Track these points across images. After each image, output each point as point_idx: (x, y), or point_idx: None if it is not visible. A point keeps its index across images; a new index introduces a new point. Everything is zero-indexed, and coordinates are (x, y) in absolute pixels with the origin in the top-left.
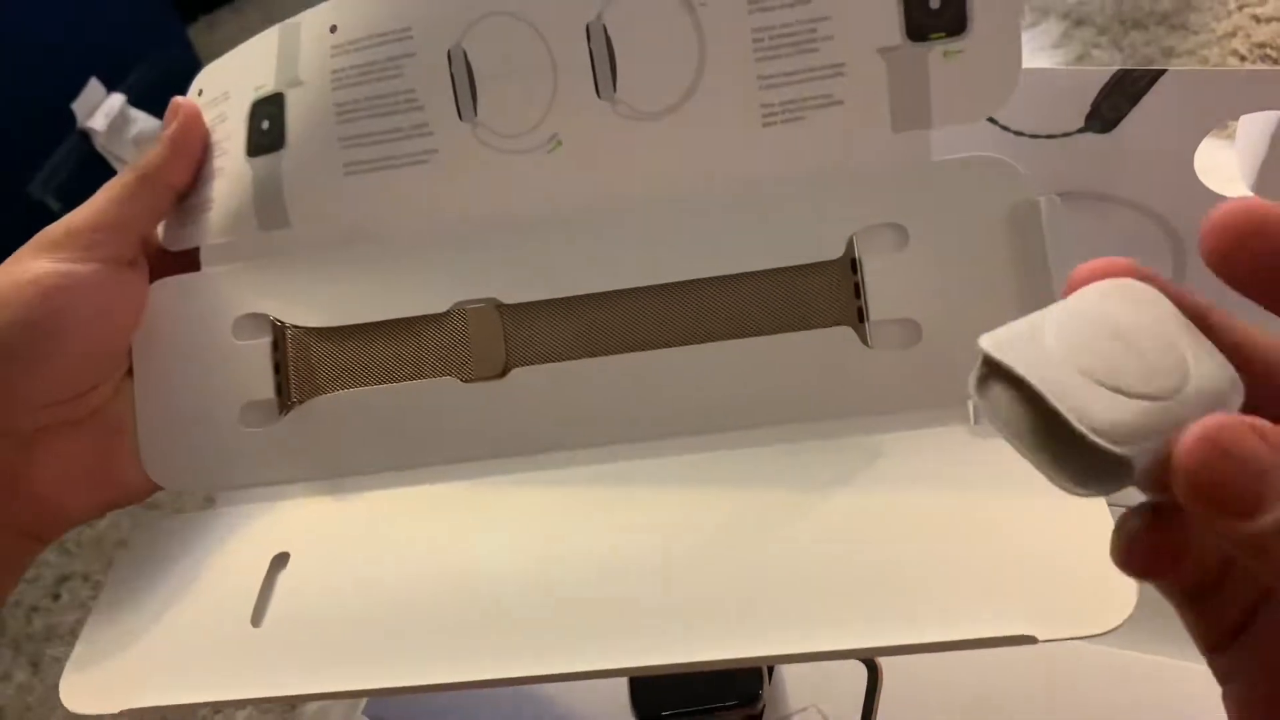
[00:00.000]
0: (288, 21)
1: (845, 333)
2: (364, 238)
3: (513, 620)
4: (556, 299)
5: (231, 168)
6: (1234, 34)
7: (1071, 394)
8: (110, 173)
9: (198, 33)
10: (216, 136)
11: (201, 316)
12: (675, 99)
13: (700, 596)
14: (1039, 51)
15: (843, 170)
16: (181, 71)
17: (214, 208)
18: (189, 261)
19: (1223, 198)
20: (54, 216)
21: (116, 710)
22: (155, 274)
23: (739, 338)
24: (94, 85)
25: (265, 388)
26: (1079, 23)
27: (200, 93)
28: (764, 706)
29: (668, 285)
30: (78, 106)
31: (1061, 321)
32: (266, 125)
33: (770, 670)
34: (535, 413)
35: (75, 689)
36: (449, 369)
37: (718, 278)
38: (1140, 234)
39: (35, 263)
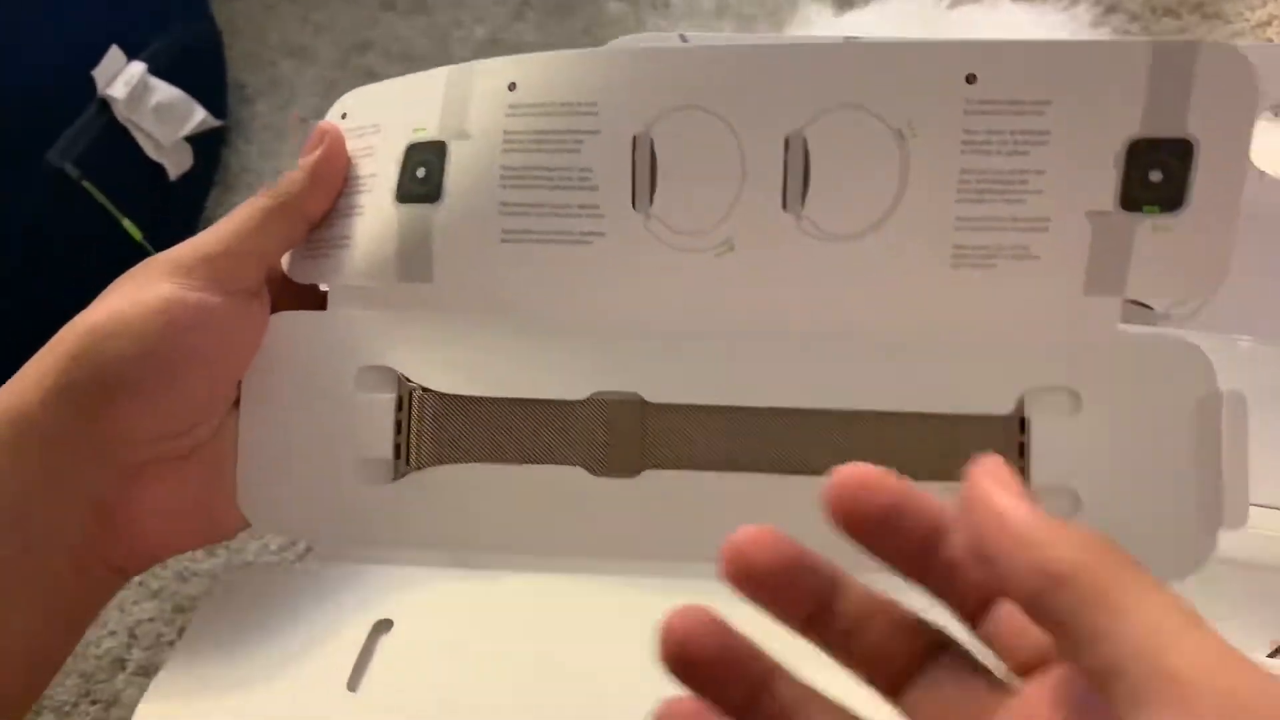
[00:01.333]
0: (460, 65)
1: None
2: (509, 308)
3: None
4: (702, 405)
5: (376, 208)
6: (1269, 23)
7: None
8: (129, 142)
9: (219, 3)
10: (361, 171)
11: (324, 358)
12: (865, 226)
13: None
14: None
15: (1026, 326)
16: (202, 42)
17: (352, 247)
18: (310, 293)
19: (1275, 180)
20: (72, 184)
21: None
22: (275, 303)
23: None
24: (114, 53)
25: (384, 446)
26: (1111, 9)
27: (344, 115)
28: None
29: (820, 411)
30: (98, 74)
31: None
32: (423, 173)
33: None
34: (664, 519)
35: None
36: (580, 459)
37: (875, 413)
38: None
39: (162, 286)
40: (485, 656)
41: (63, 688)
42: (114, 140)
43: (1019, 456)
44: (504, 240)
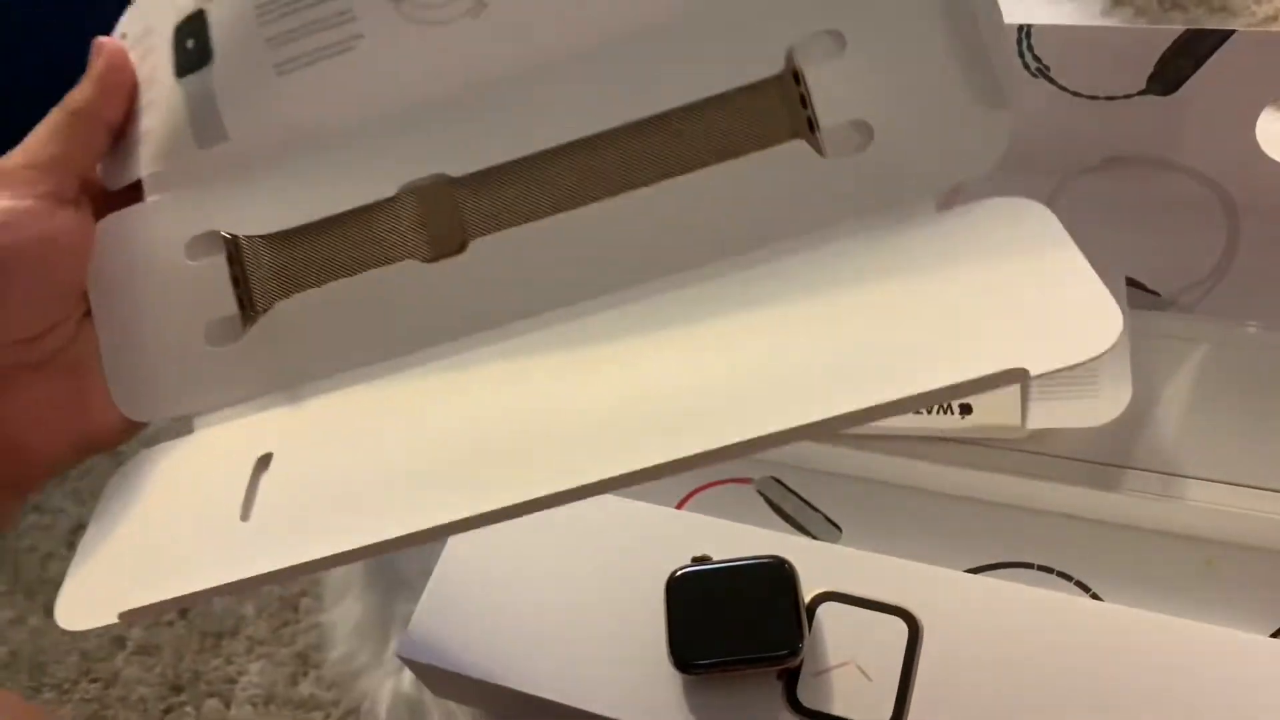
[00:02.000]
0: None
1: (799, 146)
2: (304, 137)
3: (509, 452)
4: (503, 164)
5: (163, 95)
6: (1276, 18)
7: None
8: None
9: None
10: (144, 73)
11: (152, 245)
12: None
13: (697, 391)
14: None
15: None
16: None
17: (151, 137)
18: (135, 199)
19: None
20: None
21: (112, 618)
22: (102, 216)
23: (694, 170)
24: None
25: (227, 303)
26: (1118, 1)
27: (124, 36)
28: (802, 660)
29: (613, 132)
30: None
31: None
32: (191, 44)
33: (810, 621)
34: (501, 282)
35: (70, 609)
36: (409, 252)
37: (663, 114)
38: (1194, 200)
39: None
40: (359, 461)
41: (63, 665)
42: None
43: (803, 107)
44: (279, 73)
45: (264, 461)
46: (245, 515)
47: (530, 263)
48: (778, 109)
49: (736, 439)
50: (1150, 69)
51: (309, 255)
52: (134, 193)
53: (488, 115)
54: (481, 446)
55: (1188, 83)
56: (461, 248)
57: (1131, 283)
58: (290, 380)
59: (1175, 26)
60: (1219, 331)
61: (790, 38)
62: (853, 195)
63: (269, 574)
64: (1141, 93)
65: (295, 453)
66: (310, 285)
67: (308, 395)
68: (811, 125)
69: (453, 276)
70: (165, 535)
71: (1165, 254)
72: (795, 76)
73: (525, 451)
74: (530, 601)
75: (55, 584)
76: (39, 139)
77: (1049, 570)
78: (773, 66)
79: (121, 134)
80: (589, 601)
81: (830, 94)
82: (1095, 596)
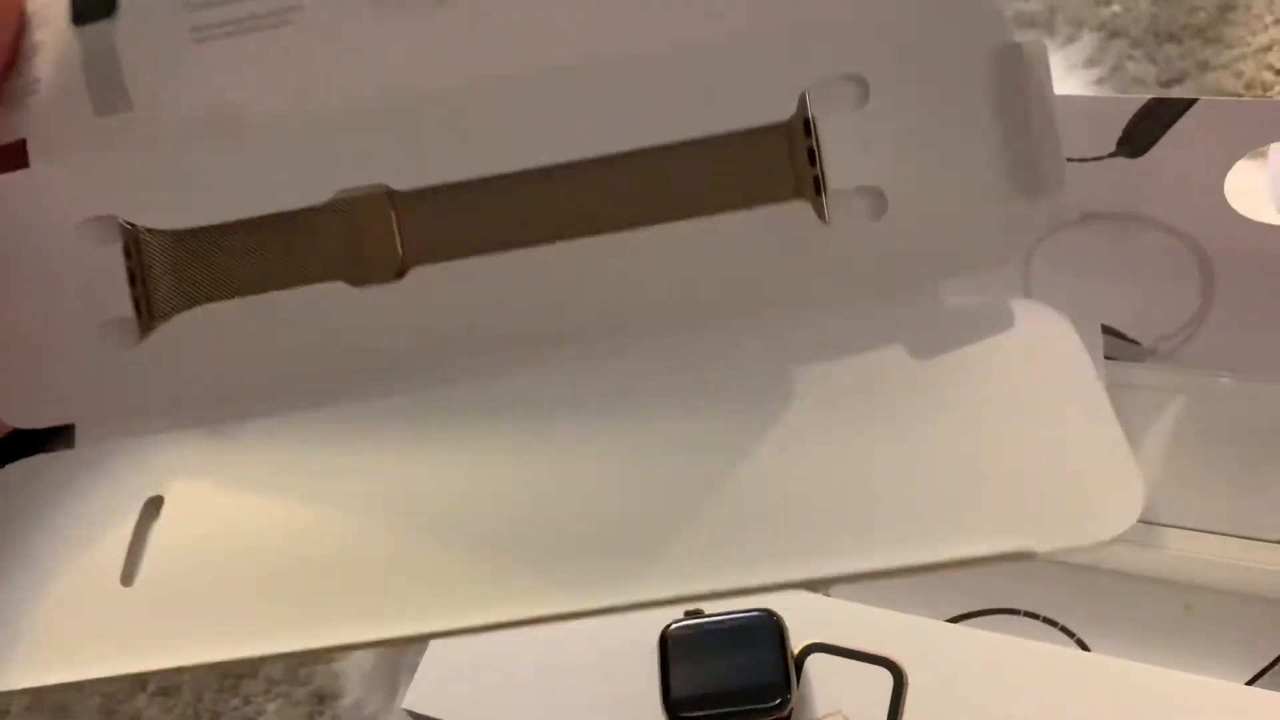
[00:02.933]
0: None
1: (798, 207)
2: (223, 119)
3: (434, 565)
4: (458, 183)
5: (55, 39)
6: (1270, 48)
7: None
8: None
9: None
10: (35, 3)
11: (36, 222)
12: None
13: (657, 524)
14: (1072, 70)
15: (794, 16)
16: None
17: (40, 89)
18: (17, 156)
19: (1253, 222)
20: None
21: None
22: None
23: (675, 220)
24: None
25: (121, 303)
26: (1114, 35)
27: None
28: (791, 710)
29: (589, 162)
30: None
31: None
32: None
33: (799, 672)
34: (441, 320)
35: None
36: (336, 272)
37: (647, 150)
38: (1169, 256)
39: None
40: (263, 527)
41: (84, 708)
42: None
43: (810, 164)
44: (197, 40)
45: (153, 505)
46: (128, 580)
47: (476, 303)
48: (782, 162)
49: (662, 595)
50: (1119, 133)
51: (219, 261)
52: (19, 151)
53: (445, 124)
54: (410, 551)
55: (1157, 145)
56: (400, 274)
57: (1109, 330)
58: (187, 404)
59: (1140, 96)
60: (1196, 382)
61: (807, 79)
62: (851, 273)
63: (141, 673)
64: (1112, 155)
65: (188, 503)
66: (219, 297)
67: (206, 426)
68: (818, 185)
69: (387, 306)
70: (31, 591)
71: (1142, 305)
72: (806, 125)
73: (427, 564)
74: (530, 656)
75: None
76: None
77: (1035, 616)
78: (782, 111)
79: (3, 76)
80: (587, 656)
81: (844, 151)
82: (1081, 642)
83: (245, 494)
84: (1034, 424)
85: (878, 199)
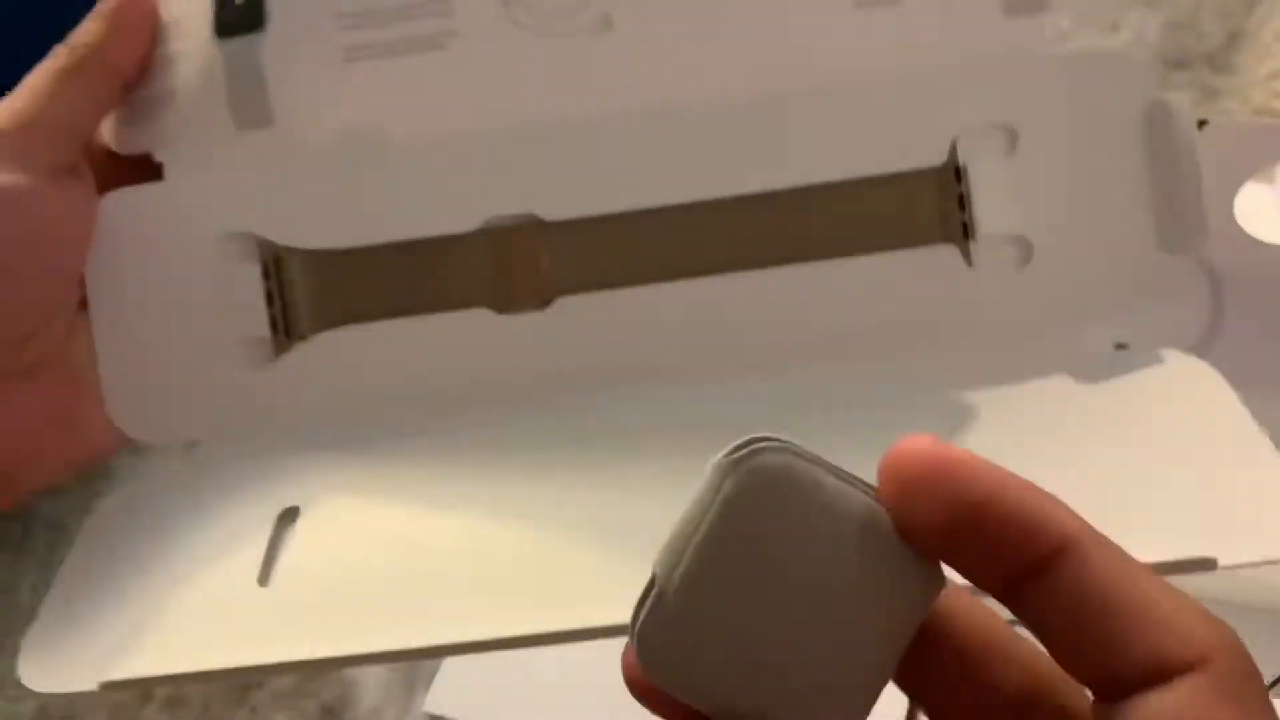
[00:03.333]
0: None
1: (946, 251)
2: (368, 142)
3: (567, 568)
4: (607, 215)
5: (196, 51)
6: (1277, 75)
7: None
8: None
9: None
10: (173, 13)
11: (171, 235)
12: None
13: None
14: None
15: (944, 61)
16: None
17: (176, 101)
18: (145, 166)
19: (1262, 243)
20: None
21: (93, 685)
22: (104, 184)
23: (821, 259)
24: None
25: (258, 323)
26: None
27: None
28: None
29: (739, 199)
30: None
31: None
32: None
33: None
34: (585, 349)
35: (38, 666)
36: (480, 299)
37: (797, 189)
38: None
39: None
40: (401, 534)
41: (92, 718)
42: None
43: (960, 210)
44: (347, 60)
45: (289, 515)
46: (264, 580)
47: (621, 334)
48: (932, 206)
49: None
50: None
51: (362, 283)
52: (146, 161)
53: (597, 156)
54: (542, 560)
55: None
56: (545, 304)
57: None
58: (323, 423)
59: None
60: None
61: (958, 126)
62: (994, 318)
63: (278, 664)
64: None
65: (327, 513)
66: (360, 319)
67: (342, 443)
68: (966, 231)
69: (530, 335)
70: (163, 589)
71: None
72: (956, 172)
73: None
74: (550, 658)
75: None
76: (37, 91)
77: None
78: (935, 156)
79: (135, 84)
80: (607, 657)
81: (993, 199)
82: None
83: (375, 508)
84: (1190, 441)
85: (1024, 246)
